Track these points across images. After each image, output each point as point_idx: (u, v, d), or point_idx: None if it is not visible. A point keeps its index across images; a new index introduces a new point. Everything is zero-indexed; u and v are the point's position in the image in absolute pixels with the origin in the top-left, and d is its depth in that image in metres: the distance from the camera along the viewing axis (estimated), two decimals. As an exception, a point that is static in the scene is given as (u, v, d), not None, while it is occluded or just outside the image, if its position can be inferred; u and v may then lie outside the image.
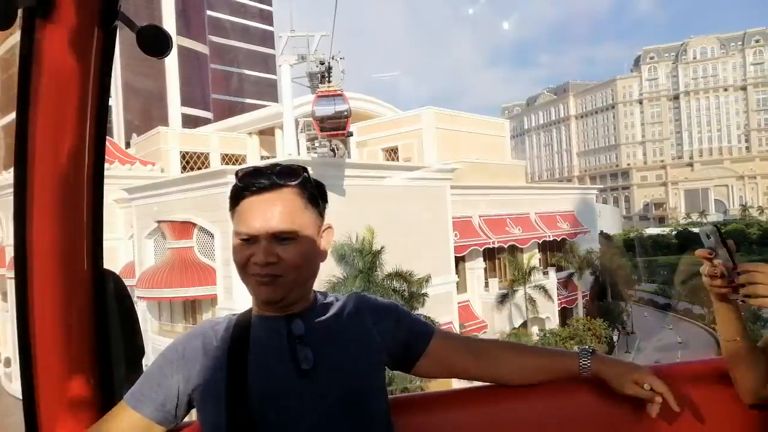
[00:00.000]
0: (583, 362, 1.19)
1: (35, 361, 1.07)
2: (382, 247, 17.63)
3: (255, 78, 70.09)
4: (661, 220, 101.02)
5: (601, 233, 37.72)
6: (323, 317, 1.10)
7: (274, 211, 1.04)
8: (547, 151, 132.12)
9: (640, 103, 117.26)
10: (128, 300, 1.26)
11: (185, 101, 48.89)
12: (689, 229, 63.22)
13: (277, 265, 1.04)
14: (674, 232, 65.99)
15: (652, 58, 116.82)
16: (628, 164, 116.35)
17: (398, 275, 17.87)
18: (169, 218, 19.79)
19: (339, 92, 19.14)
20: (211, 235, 18.98)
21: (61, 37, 1.01)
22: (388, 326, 1.15)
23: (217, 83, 62.15)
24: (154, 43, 1.06)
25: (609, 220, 63.42)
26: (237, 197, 1.06)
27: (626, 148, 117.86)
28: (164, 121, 42.29)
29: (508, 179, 29.06)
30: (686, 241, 53.14)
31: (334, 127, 19.30)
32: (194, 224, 19.36)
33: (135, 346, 1.24)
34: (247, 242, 1.04)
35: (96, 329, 1.16)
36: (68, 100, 1.04)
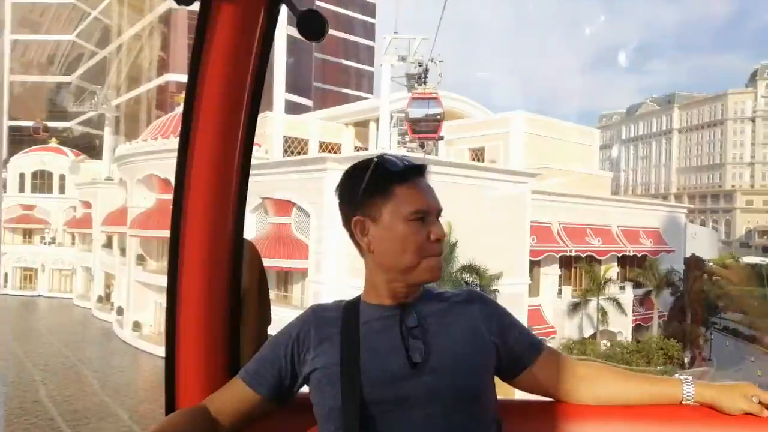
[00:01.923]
0: (687, 388, 1.17)
1: (179, 317, 1.15)
2: (456, 241, 18.79)
3: (354, 69, 72.69)
4: (765, 250, 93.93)
5: (693, 255, 36.49)
6: (435, 309, 1.11)
7: (433, 192, 1.11)
8: (644, 164, 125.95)
9: (753, 121, 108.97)
10: (262, 269, 1.31)
11: (289, 88, 52.15)
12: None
13: (441, 242, 1.10)
14: (775, 263, 61.63)
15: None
16: (733, 186, 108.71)
17: (471, 268, 18.95)
18: (272, 196, 22.11)
19: (434, 95, 19.86)
20: (308, 215, 21.09)
21: (231, 15, 1.06)
22: (498, 329, 1.14)
23: (318, 72, 65.29)
24: (313, 26, 1.10)
25: (705, 243, 60.25)
26: (390, 181, 1.07)
27: (732, 169, 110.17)
28: (269, 106, 45.47)
29: (592, 189, 29.16)
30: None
31: (426, 130, 20.07)
32: (293, 203, 21.57)
33: (264, 313, 1.30)
34: (420, 221, 1.06)
35: (233, 293, 1.21)
36: (233, 77, 1.09)
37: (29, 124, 59.01)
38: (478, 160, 29.56)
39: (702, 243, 58.80)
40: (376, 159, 1.09)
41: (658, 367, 22.24)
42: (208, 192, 1.13)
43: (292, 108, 49.26)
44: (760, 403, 1.14)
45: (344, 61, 71.16)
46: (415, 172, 1.09)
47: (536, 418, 1.22)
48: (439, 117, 19.81)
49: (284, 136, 31.47)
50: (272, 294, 22.98)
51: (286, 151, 31.38)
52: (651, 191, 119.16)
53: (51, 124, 54.88)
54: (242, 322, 1.25)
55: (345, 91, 69.29)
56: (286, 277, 23.07)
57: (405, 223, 1.06)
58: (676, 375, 1.25)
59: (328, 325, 1.10)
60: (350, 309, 1.11)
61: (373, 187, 1.07)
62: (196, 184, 1.10)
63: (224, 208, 1.17)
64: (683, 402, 1.18)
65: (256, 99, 1.16)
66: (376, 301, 1.11)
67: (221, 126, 1.11)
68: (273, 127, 30.17)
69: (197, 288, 1.16)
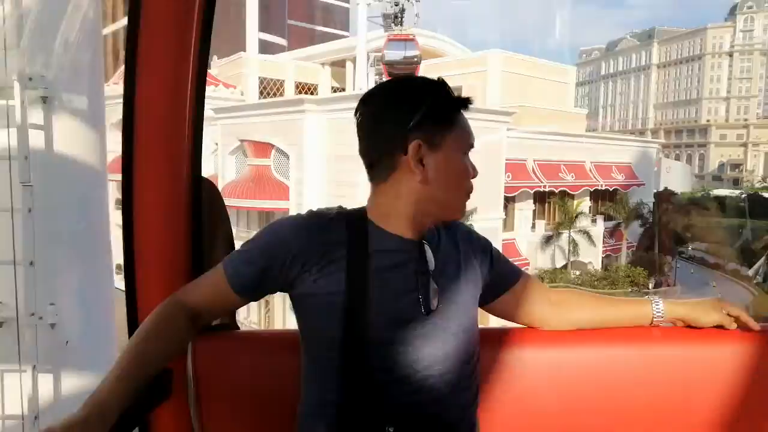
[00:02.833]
0: (656, 307, 1.20)
1: (138, 255, 1.12)
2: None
3: (325, 5, 70.69)
4: (736, 182, 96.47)
5: (665, 189, 37.71)
6: (446, 249, 1.07)
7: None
8: (623, 100, 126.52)
9: (730, 55, 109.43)
10: (221, 204, 1.29)
11: (262, 26, 50.76)
12: (761, 193, 61.00)
13: None
14: (743, 195, 63.78)
15: (750, 7, 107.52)
16: (708, 120, 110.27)
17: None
18: (251, 138, 22.25)
19: (411, 37, 19.52)
20: (287, 156, 21.37)
21: None
22: (489, 261, 1.14)
23: (290, 9, 63.43)
24: None
25: (679, 177, 61.71)
26: (454, 109, 1.02)
27: (708, 103, 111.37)
28: (242, 46, 44.37)
29: (567, 126, 29.68)
30: (755, 204, 51.63)
31: (403, 73, 20.21)
32: (272, 145, 21.80)
33: (227, 248, 1.26)
34: (465, 155, 1.04)
35: (192, 229, 1.19)
36: (176, 11, 1.04)
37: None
38: (456, 99, 29.67)
39: (676, 177, 60.36)
40: (438, 81, 1.04)
41: (627, 290, 23.65)
42: (159, 134, 1.09)
43: (266, 47, 48.22)
44: (728, 315, 1.19)
45: (319, -2, 69.04)
46: (468, 103, 1.04)
47: (512, 344, 1.20)
48: (416, 59, 19.65)
49: (259, 77, 31.12)
50: (254, 234, 23.52)
51: (261, 93, 31.13)
52: (628, 127, 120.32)
53: None
54: (204, 263, 1.20)
55: (319, 28, 67.58)
56: (267, 218, 23.59)
57: (463, 156, 1.03)
58: (647, 296, 1.27)
59: (333, 245, 0.99)
60: (359, 230, 1.01)
61: (438, 112, 1.01)
62: (144, 126, 1.06)
63: (177, 148, 1.13)
64: (654, 320, 1.21)
65: (206, 33, 1.09)
66: (395, 231, 1.02)
67: (167, 67, 1.07)
68: (248, 68, 29.79)
69: (154, 231, 1.13)
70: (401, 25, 20.62)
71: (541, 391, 1.22)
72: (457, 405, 1.04)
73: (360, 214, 1.05)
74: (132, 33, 0.99)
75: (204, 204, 1.22)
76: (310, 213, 1.05)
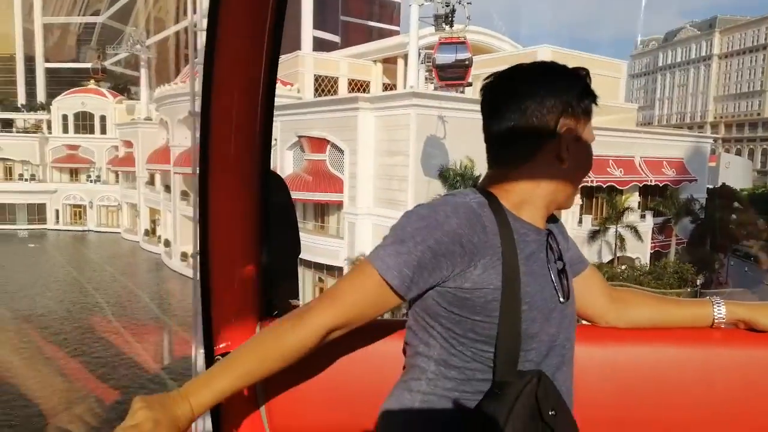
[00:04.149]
0: (718, 309, 1.19)
1: (211, 246, 1.14)
2: (480, 174, 20.13)
3: (380, 0, 71.63)
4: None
5: (723, 185, 36.90)
6: (558, 238, 1.09)
7: None
8: (681, 93, 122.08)
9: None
10: (288, 196, 1.32)
11: (316, 24, 52.32)
12: (827, 190, 58.31)
13: None
14: (808, 192, 60.98)
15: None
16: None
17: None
18: (308, 134, 23.63)
19: (462, 40, 19.93)
20: (342, 152, 22.64)
21: None
22: (568, 247, 1.14)
23: (343, 5, 64.74)
24: None
25: (739, 173, 59.69)
26: (592, 100, 1.01)
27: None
28: (296, 43, 45.84)
29: (618, 122, 29.69)
30: (819, 203, 49.50)
31: (454, 77, 20.20)
32: (328, 141, 23.11)
33: (294, 239, 1.31)
34: None
35: (262, 220, 1.23)
36: (254, 12, 1.06)
37: (67, 65, 60.74)
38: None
39: (736, 172, 58.41)
40: (583, 70, 1.02)
41: (680, 290, 23.74)
42: (232, 127, 1.13)
43: (320, 45, 49.70)
44: None
45: (371, -6, 70.08)
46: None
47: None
48: (467, 62, 19.73)
49: (315, 75, 32.51)
50: (310, 224, 24.96)
51: (316, 90, 32.51)
52: (686, 120, 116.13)
53: (84, 65, 56.49)
54: (272, 252, 1.25)
55: (371, 23, 68.68)
56: (322, 210, 24.95)
57: (591, 149, 1.03)
58: (708, 297, 1.25)
59: (490, 236, 0.95)
60: (502, 219, 0.97)
61: (585, 99, 1.00)
62: (220, 121, 1.09)
63: (249, 142, 1.17)
64: (714, 321, 1.19)
65: (277, 33, 1.12)
66: (530, 220, 1.01)
67: (242, 63, 1.09)
68: (304, 66, 31.21)
69: (226, 219, 1.16)
70: (452, 25, 21.26)
71: (596, 387, 1.20)
72: (572, 394, 1.05)
73: (494, 201, 0.99)
74: (211, 33, 1.01)
75: (273, 196, 1.26)
76: (456, 202, 0.97)
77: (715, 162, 48.91)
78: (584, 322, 1.25)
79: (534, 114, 0.97)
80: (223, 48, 1.03)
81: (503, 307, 0.94)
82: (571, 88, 0.99)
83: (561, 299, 1.01)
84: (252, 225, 1.21)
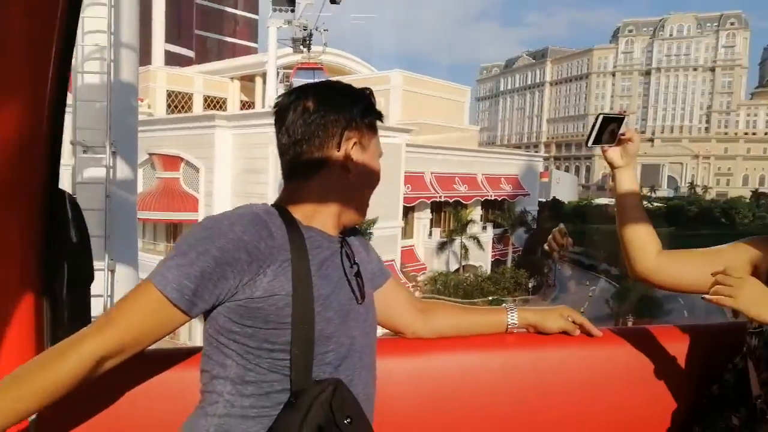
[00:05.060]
0: (511, 315, 1.32)
1: None
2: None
3: (233, 15, 70.79)
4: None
5: (553, 198, 41.79)
6: (355, 246, 1.12)
7: None
8: (519, 115, 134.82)
9: (613, 75, 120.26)
10: (81, 220, 1.19)
11: (169, 38, 50.39)
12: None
13: None
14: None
15: (630, 31, 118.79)
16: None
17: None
18: (160, 152, 22.94)
19: (319, 66, 20.53)
20: (197, 170, 22.31)
21: None
22: (369, 257, 1.17)
23: (198, 19, 63.10)
24: None
25: (566, 188, 67.46)
26: (377, 116, 1.08)
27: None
28: (147, 57, 43.89)
29: (462, 142, 32.58)
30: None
31: None
32: (182, 159, 22.63)
33: (84, 266, 1.20)
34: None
35: (41, 247, 1.11)
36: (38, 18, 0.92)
37: None
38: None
39: (565, 187, 66.05)
40: (365, 88, 1.08)
41: (490, 298, 26.59)
42: (9, 147, 0.97)
43: (174, 59, 47.95)
44: (573, 322, 1.33)
45: (226, 8, 69.05)
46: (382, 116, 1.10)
47: (378, 353, 1.12)
48: None
49: (168, 90, 31.48)
50: (161, 245, 24.12)
51: (169, 106, 31.48)
52: (524, 140, 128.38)
53: None
54: (57, 279, 1.14)
55: (229, 39, 67.61)
56: (175, 230, 24.25)
57: (378, 162, 1.08)
58: (503, 305, 1.41)
59: (278, 242, 0.95)
60: (292, 227, 0.98)
61: (368, 115, 1.05)
62: None
63: (32, 160, 1.03)
64: (508, 327, 1.32)
65: (68, 44, 1.00)
66: (322, 228, 1.03)
67: (25, 83, 0.96)
68: (155, 81, 30.12)
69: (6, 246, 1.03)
70: (309, 48, 22.07)
71: (404, 398, 1.25)
72: (373, 399, 1.07)
73: (283, 211, 1.01)
74: None
75: (61, 218, 1.15)
76: (241, 212, 0.97)
77: (547, 178, 55.05)
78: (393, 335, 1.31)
79: (319, 127, 1.01)
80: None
81: (295, 310, 0.93)
82: (354, 104, 1.04)
83: (358, 300, 1.03)
84: (29, 251, 1.09)
